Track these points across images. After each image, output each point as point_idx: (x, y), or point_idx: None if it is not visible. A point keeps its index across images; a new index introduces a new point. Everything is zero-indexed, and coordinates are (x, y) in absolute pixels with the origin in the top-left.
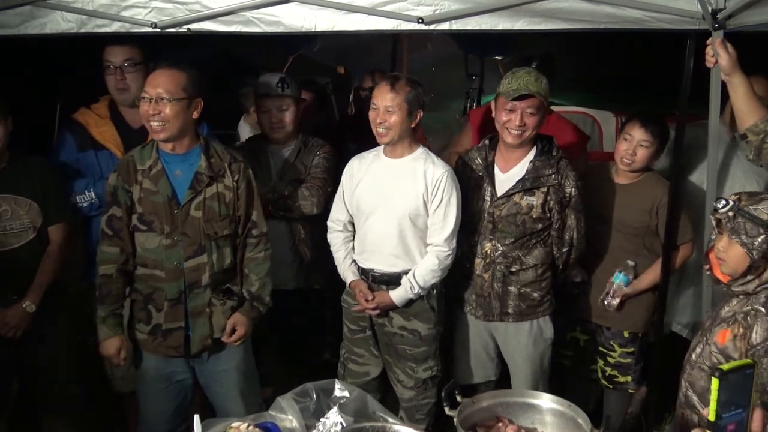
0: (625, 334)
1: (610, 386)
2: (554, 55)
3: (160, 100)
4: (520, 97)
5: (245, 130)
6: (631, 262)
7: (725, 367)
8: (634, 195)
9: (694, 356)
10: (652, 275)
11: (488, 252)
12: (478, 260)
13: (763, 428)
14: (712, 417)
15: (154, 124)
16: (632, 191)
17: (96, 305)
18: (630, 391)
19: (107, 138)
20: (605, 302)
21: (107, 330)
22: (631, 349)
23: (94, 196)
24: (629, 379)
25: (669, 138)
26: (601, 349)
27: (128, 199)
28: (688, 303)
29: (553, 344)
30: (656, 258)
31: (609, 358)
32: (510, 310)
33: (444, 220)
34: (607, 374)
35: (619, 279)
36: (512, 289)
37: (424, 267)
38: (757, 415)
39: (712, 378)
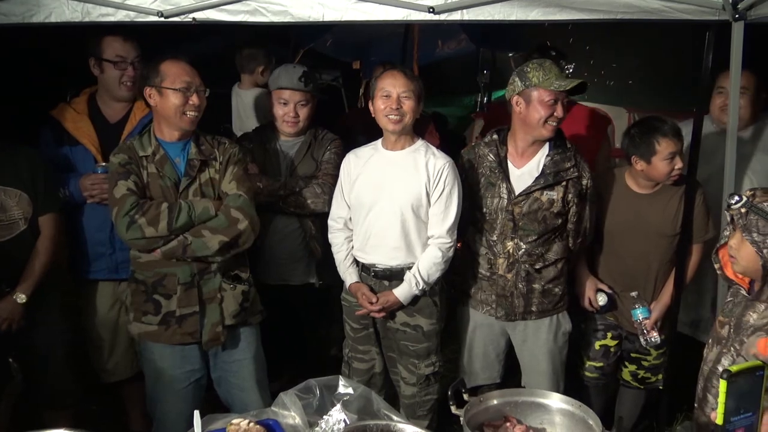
0: (662, 337)
1: (642, 387)
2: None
3: (200, 90)
4: (571, 90)
5: (245, 97)
6: (633, 294)
7: (734, 369)
8: (667, 201)
9: (720, 368)
10: (671, 286)
11: (511, 251)
12: (500, 260)
13: None
14: (719, 420)
15: (192, 114)
16: (660, 197)
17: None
18: (660, 387)
19: (82, 134)
20: (648, 342)
21: None
22: (664, 349)
23: (68, 193)
24: (660, 377)
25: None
26: (633, 355)
27: (139, 179)
28: (689, 300)
29: (580, 358)
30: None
31: (644, 362)
32: (534, 308)
33: (446, 211)
34: (640, 377)
35: (638, 314)
36: (536, 286)
37: (427, 260)
38: (766, 419)
39: (721, 380)
